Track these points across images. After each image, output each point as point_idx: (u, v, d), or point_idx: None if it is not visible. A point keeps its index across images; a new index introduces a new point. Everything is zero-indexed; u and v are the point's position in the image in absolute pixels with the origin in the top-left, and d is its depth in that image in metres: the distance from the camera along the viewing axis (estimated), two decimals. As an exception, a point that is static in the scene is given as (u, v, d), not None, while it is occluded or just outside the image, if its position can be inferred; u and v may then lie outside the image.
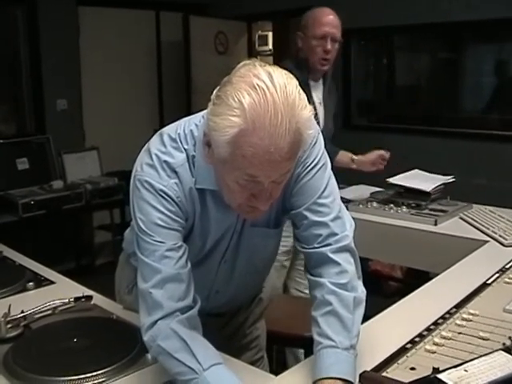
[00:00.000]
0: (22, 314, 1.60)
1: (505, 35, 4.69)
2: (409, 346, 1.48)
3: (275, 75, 1.17)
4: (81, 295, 1.75)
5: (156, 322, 1.30)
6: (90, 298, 1.76)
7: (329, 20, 2.83)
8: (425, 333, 1.54)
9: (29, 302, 1.71)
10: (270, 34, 6.55)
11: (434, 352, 1.44)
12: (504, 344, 1.44)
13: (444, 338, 1.51)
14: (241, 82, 1.16)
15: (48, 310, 1.68)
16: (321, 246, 1.41)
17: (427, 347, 1.46)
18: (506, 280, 1.92)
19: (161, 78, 6.10)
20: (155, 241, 1.32)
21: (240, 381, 1.26)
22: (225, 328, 1.80)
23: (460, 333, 1.53)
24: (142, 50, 5.91)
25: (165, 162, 1.35)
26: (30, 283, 1.93)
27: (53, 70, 5.17)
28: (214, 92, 1.22)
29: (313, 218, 1.41)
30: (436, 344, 1.48)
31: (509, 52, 4.81)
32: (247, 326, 1.86)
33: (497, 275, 1.97)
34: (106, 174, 5.17)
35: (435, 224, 2.62)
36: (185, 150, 1.36)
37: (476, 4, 4.46)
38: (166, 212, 1.33)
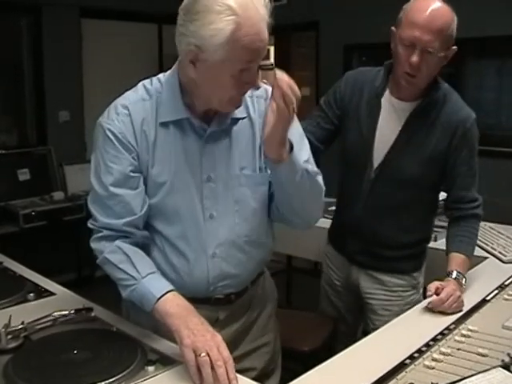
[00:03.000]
0: (22, 325, 1.60)
1: (506, 51, 4.73)
2: (408, 361, 1.48)
3: None
4: (81, 307, 1.75)
5: (108, 236, 1.61)
6: (90, 309, 1.76)
7: (425, 19, 1.90)
8: (424, 349, 1.55)
9: (29, 313, 1.70)
10: (272, 48, 6.57)
11: (432, 368, 1.44)
12: (503, 361, 1.44)
13: (443, 354, 1.51)
14: None
15: (48, 321, 1.67)
16: None
17: (426, 363, 1.46)
18: (505, 297, 1.93)
19: (163, 90, 6.09)
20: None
21: (171, 285, 1.53)
22: (233, 324, 1.77)
23: (459, 349, 1.54)
24: (144, 63, 5.92)
25: (119, 103, 1.60)
26: (31, 294, 1.93)
27: (55, 81, 5.20)
28: (182, 18, 1.43)
29: None
30: (435, 360, 1.48)
31: (510, 68, 4.85)
32: (259, 323, 1.85)
33: (496, 291, 1.98)
34: (106, 185, 5.16)
35: (435, 240, 2.62)
36: (147, 90, 1.61)
37: (476, 22, 4.50)
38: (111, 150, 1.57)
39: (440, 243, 2.63)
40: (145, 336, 1.61)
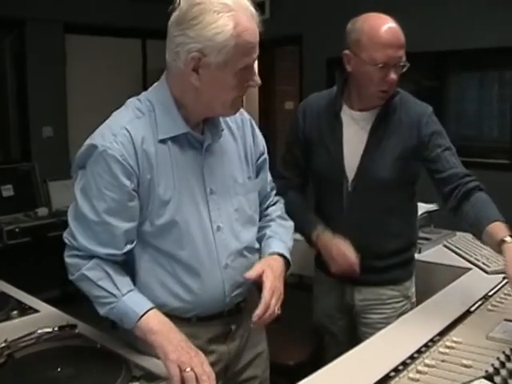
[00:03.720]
0: (5, 343, 1.59)
1: (487, 64, 4.80)
2: (392, 374, 1.48)
3: None
4: (65, 324, 1.74)
5: (87, 257, 1.56)
6: (74, 326, 1.75)
7: (392, 36, 1.99)
8: (408, 361, 1.55)
9: (12, 331, 1.69)
10: (256, 62, 6.60)
11: (417, 380, 1.44)
12: (487, 371, 1.45)
13: (427, 365, 1.51)
14: None
15: (32, 338, 1.66)
16: None
17: (411, 375, 1.47)
18: (489, 307, 1.94)
19: (147, 105, 6.09)
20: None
21: (151, 303, 1.51)
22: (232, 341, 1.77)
23: (443, 360, 1.54)
24: (128, 78, 5.94)
25: (114, 124, 1.56)
26: (14, 312, 1.92)
27: (39, 97, 5.19)
28: (176, 29, 1.46)
29: None
30: (419, 372, 1.48)
31: (491, 80, 4.91)
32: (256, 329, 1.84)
33: (480, 302, 1.98)
34: (91, 201, 5.13)
35: (419, 252, 2.63)
36: (138, 109, 1.58)
37: (458, 35, 4.56)
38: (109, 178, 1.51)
39: (425, 255, 2.65)
40: (129, 352, 1.61)
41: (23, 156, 5.26)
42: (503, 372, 1.44)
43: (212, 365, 1.56)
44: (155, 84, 1.64)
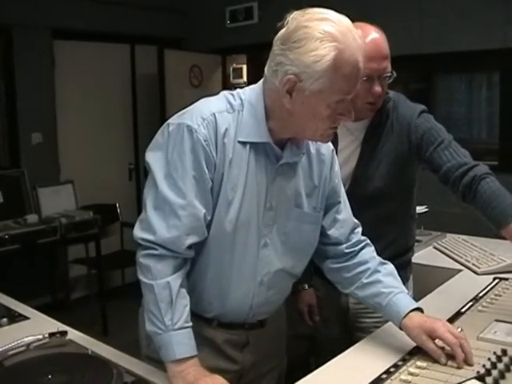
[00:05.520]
0: (-5, 351, 1.58)
1: (475, 66, 4.83)
2: (384, 376, 1.48)
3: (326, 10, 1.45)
4: (55, 331, 1.74)
5: (163, 256, 1.48)
6: (64, 333, 1.74)
7: (376, 50, 1.97)
8: (400, 363, 1.55)
9: (2, 339, 1.68)
10: (245, 67, 6.60)
11: (409, 382, 1.45)
12: (478, 372, 1.45)
13: (419, 367, 1.52)
14: (311, 21, 1.40)
15: (22, 346, 1.65)
16: None
17: (402, 377, 1.47)
18: (480, 308, 1.94)
19: (136, 111, 6.12)
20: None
21: (195, 350, 1.46)
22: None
23: (435, 362, 1.54)
24: (117, 83, 5.93)
25: (205, 108, 1.52)
26: (4, 319, 1.91)
27: (28, 103, 5.17)
28: (279, 47, 1.43)
29: None
30: (411, 374, 1.48)
31: (478, 82, 4.94)
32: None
33: (470, 304, 1.99)
34: (81, 207, 5.12)
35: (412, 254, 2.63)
36: (230, 104, 1.54)
37: (445, 37, 4.59)
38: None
39: (415, 257, 2.64)
40: (120, 358, 1.60)
41: (12, 162, 5.23)
42: (494, 373, 1.45)
43: (226, 371, 1.59)
44: (252, 85, 1.60)
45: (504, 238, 1.88)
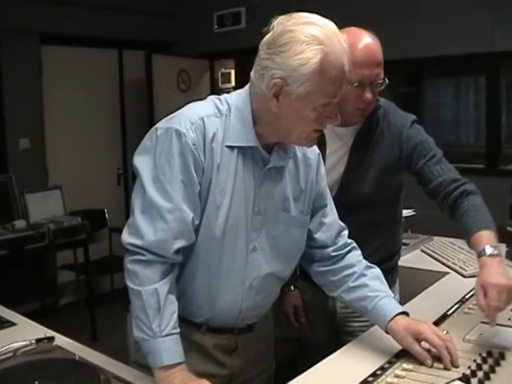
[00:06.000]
0: (-19, 358, 1.58)
1: (462, 70, 4.88)
2: (370, 379, 1.49)
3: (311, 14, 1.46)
4: (42, 336, 1.73)
5: (151, 262, 1.47)
6: (51, 339, 1.73)
7: (369, 56, 1.95)
8: (386, 365, 1.56)
9: (-11, 345, 1.68)
10: (233, 72, 6.61)
11: (395, 384, 1.46)
12: (463, 374, 1.46)
13: (405, 370, 1.53)
14: (296, 25, 1.41)
15: (8, 352, 1.64)
16: None
17: (389, 380, 1.48)
18: (466, 310, 1.96)
19: (124, 116, 6.12)
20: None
21: (182, 357, 1.46)
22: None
23: (421, 364, 1.55)
24: (105, 88, 5.92)
25: (194, 113, 1.52)
26: (-9, 325, 1.90)
27: (15, 108, 5.15)
28: (265, 51, 1.44)
29: None
30: (397, 376, 1.49)
31: (466, 86, 4.97)
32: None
33: (457, 306, 2.01)
34: (69, 213, 5.10)
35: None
36: (218, 109, 1.55)
37: (433, 41, 4.62)
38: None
39: (403, 260, 2.66)
40: (108, 364, 1.60)
41: (0, 168, 5.21)
42: (479, 374, 1.46)
43: (216, 376, 1.59)
44: (238, 90, 1.61)
45: None
